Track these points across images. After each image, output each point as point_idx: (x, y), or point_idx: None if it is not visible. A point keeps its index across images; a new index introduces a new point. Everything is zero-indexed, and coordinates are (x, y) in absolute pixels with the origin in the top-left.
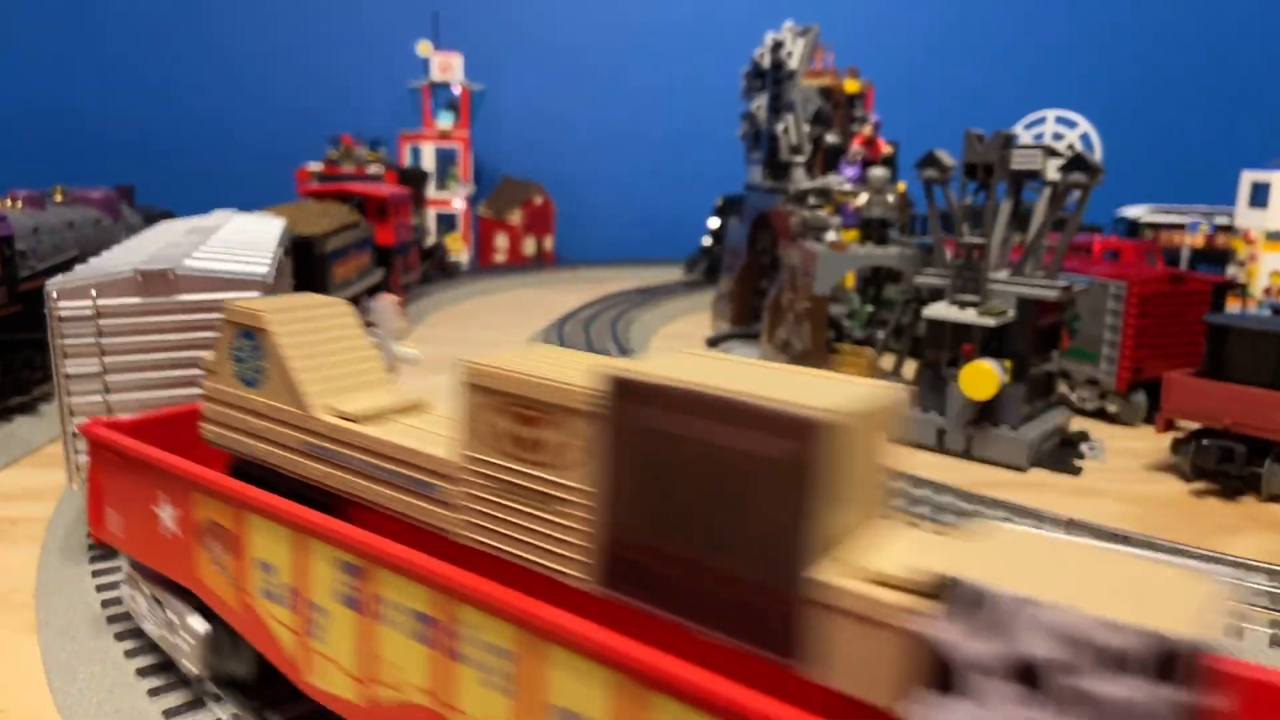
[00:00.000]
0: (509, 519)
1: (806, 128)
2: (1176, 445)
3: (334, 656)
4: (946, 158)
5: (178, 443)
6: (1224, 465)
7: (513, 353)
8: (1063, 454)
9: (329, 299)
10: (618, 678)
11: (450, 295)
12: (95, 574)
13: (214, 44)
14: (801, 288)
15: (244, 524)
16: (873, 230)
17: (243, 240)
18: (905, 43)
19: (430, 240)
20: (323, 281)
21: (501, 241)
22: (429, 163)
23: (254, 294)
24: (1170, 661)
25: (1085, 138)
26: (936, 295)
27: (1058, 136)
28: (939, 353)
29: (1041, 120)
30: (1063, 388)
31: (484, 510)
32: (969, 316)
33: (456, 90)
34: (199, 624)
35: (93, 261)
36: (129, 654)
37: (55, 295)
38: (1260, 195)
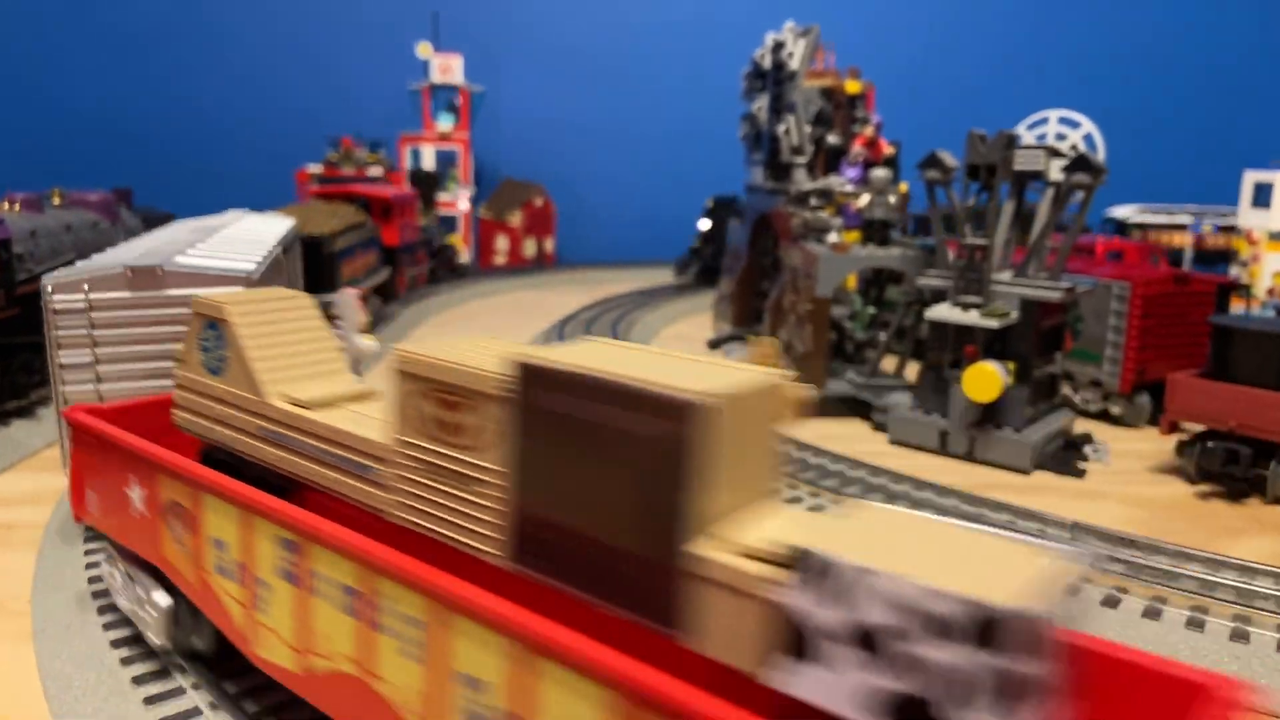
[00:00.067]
0: (433, 499)
1: (808, 129)
2: (1181, 447)
3: (275, 628)
4: (949, 159)
5: (154, 429)
6: (1229, 467)
7: (441, 341)
8: (1066, 456)
9: (293, 292)
10: (511, 645)
11: (451, 297)
12: (91, 580)
13: (213, 46)
14: (803, 290)
15: (199, 503)
16: (874, 231)
17: (241, 239)
18: (907, 43)
19: (440, 241)
20: (331, 280)
21: (502, 243)
22: (429, 165)
23: (238, 289)
24: (991, 629)
25: (1088, 138)
26: (939, 297)
27: (1060, 137)
28: (941, 355)
29: (1044, 121)
30: (1066, 390)
31: (412, 491)
32: (972, 318)
33: (458, 100)
34: (163, 599)
35: (95, 258)
36: (125, 661)
37: (50, 289)
38: (1263, 195)
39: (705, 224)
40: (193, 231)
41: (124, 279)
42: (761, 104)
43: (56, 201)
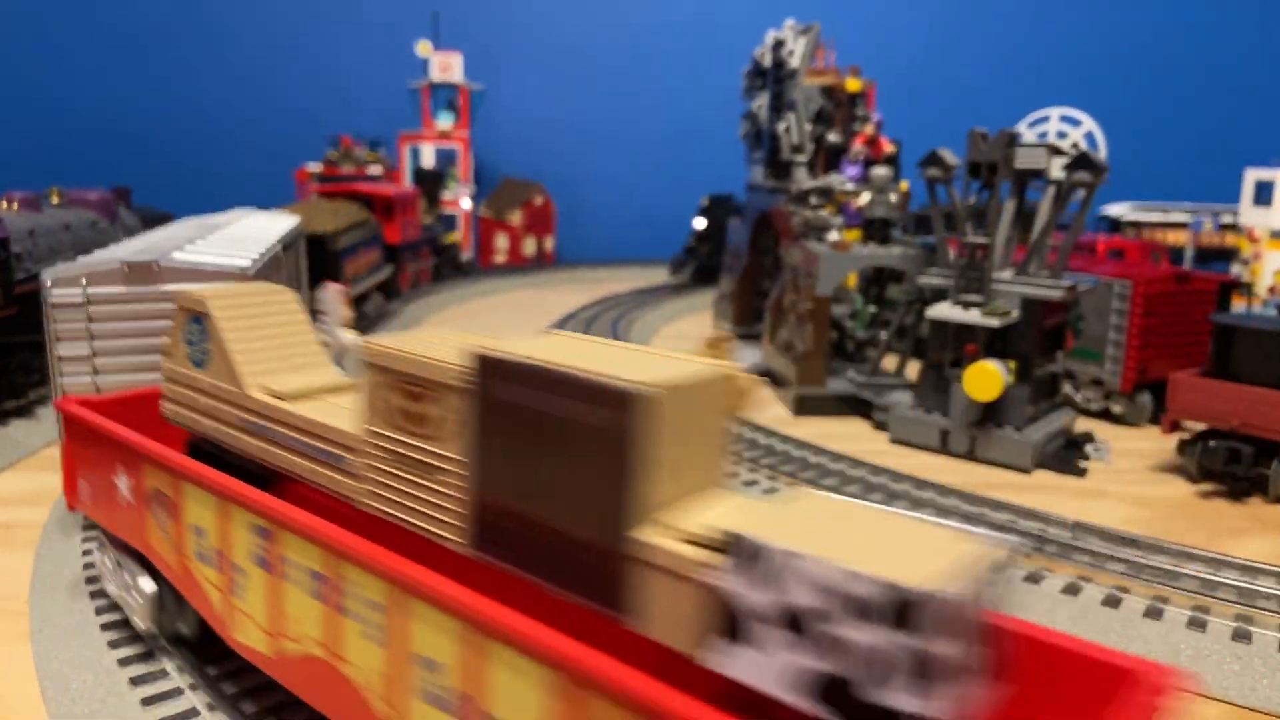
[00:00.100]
0: (400, 487)
1: (808, 127)
2: (1182, 446)
3: (251, 613)
4: (950, 157)
5: (144, 420)
6: (1231, 466)
7: (409, 334)
8: (1067, 455)
9: (277, 287)
10: (463, 628)
11: (452, 296)
12: (89, 581)
13: (212, 44)
14: (803, 288)
15: (180, 492)
16: (875, 230)
17: (240, 236)
18: (907, 41)
19: (445, 239)
20: (336, 276)
21: (502, 242)
22: (429, 163)
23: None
24: (906, 610)
25: (1090, 136)
26: (940, 296)
27: (1062, 135)
28: (942, 353)
29: (1045, 119)
30: (1067, 388)
31: (380, 480)
32: (973, 317)
33: (457, 99)
34: (148, 584)
35: (96, 253)
36: (122, 662)
37: (49, 283)
38: (1264, 194)
39: (700, 223)
40: (195, 229)
41: (120, 274)
42: (762, 102)
43: (55, 201)
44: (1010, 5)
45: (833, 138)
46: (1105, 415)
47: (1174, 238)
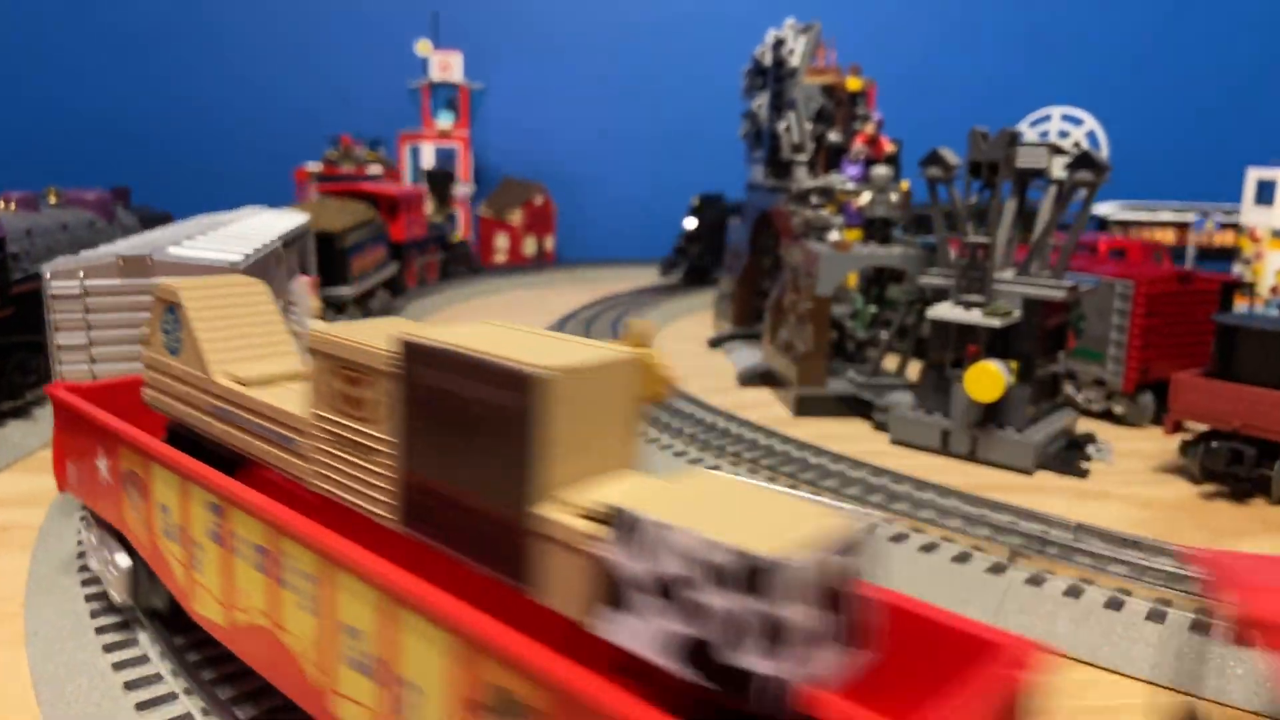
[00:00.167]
0: (341, 467)
1: (808, 126)
2: (1185, 447)
3: (208, 586)
4: (951, 156)
5: (129, 406)
6: (1233, 467)
7: (353, 322)
8: (1069, 456)
9: (250, 280)
10: (378, 597)
11: (453, 295)
12: (85, 583)
13: (211, 44)
14: (804, 288)
15: (149, 472)
16: (876, 230)
17: (238, 233)
18: (908, 40)
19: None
20: (343, 272)
21: (502, 241)
22: (428, 162)
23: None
24: (757, 576)
25: (1091, 135)
26: (941, 296)
27: (1063, 134)
28: (943, 354)
29: (1047, 118)
30: (1069, 389)
31: (324, 460)
32: (974, 317)
33: (457, 98)
34: (124, 560)
35: (101, 248)
36: (116, 666)
37: (49, 275)
38: (1266, 193)
39: (691, 223)
40: (199, 226)
41: (116, 267)
42: (762, 101)
43: (53, 200)
44: (1011, 4)
45: (833, 137)
46: (1107, 416)
47: (1161, 236)
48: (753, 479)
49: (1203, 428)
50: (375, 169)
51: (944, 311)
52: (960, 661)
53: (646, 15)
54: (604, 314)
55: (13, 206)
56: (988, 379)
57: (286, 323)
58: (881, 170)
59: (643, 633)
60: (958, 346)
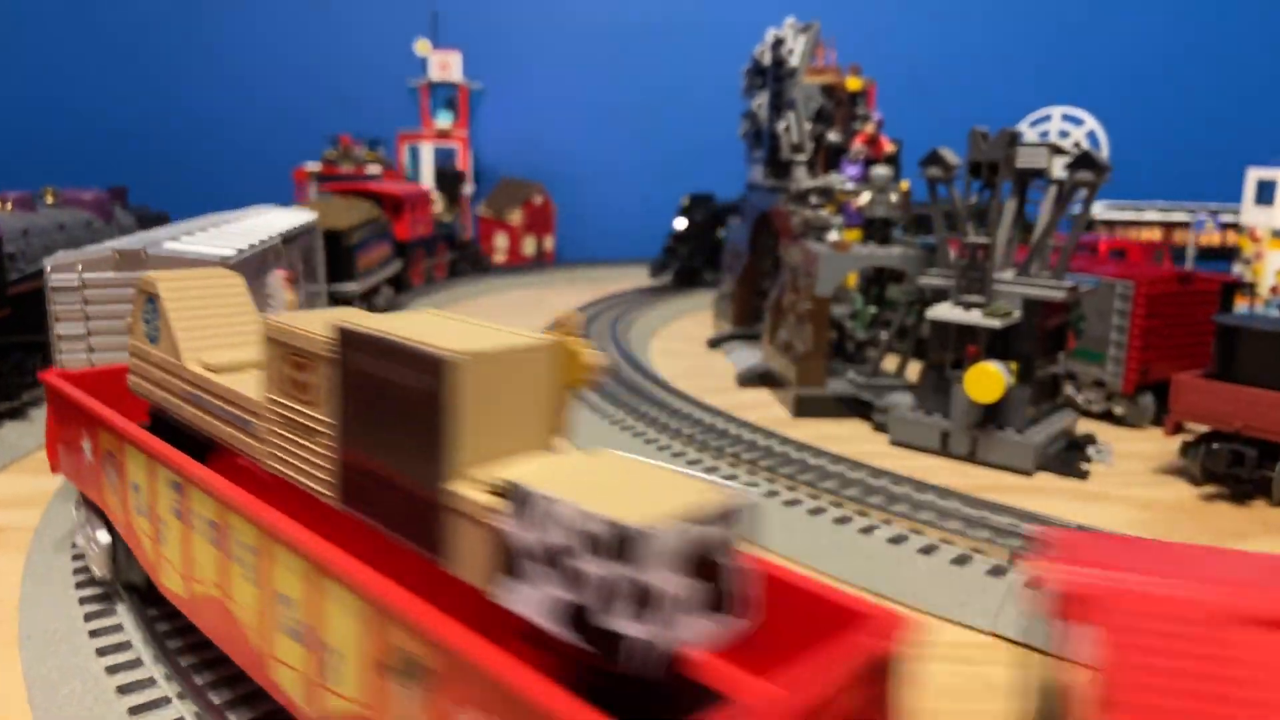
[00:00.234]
0: (290, 448)
1: (808, 126)
2: (1185, 448)
3: (172, 560)
4: (951, 156)
5: (116, 393)
6: (1234, 469)
7: (306, 312)
8: (1069, 457)
9: (226, 273)
10: (305, 567)
11: (452, 295)
12: (79, 585)
13: (210, 43)
14: (803, 289)
15: (124, 453)
16: (875, 230)
17: (238, 230)
18: (908, 39)
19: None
20: (349, 269)
21: (501, 241)
22: (428, 162)
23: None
24: (625, 544)
25: (1092, 135)
26: (940, 296)
27: (1064, 134)
28: (943, 354)
29: (1047, 118)
30: (1069, 390)
31: (276, 441)
32: (974, 318)
33: (456, 98)
34: (104, 536)
35: (107, 243)
36: (110, 670)
37: (49, 269)
38: (1266, 193)
39: (681, 223)
40: (202, 223)
41: (112, 261)
42: (761, 101)
43: (50, 200)
44: (1011, 4)
45: (833, 137)
46: (1107, 417)
47: (1148, 235)
48: (750, 479)
49: (1203, 429)
50: (374, 169)
51: (944, 312)
52: (831, 630)
53: (646, 14)
54: (604, 314)
55: (9, 207)
56: (988, 380)
57: (259, 314)
58: (881, 170)
59: (533, 599)
60: (957, 347)
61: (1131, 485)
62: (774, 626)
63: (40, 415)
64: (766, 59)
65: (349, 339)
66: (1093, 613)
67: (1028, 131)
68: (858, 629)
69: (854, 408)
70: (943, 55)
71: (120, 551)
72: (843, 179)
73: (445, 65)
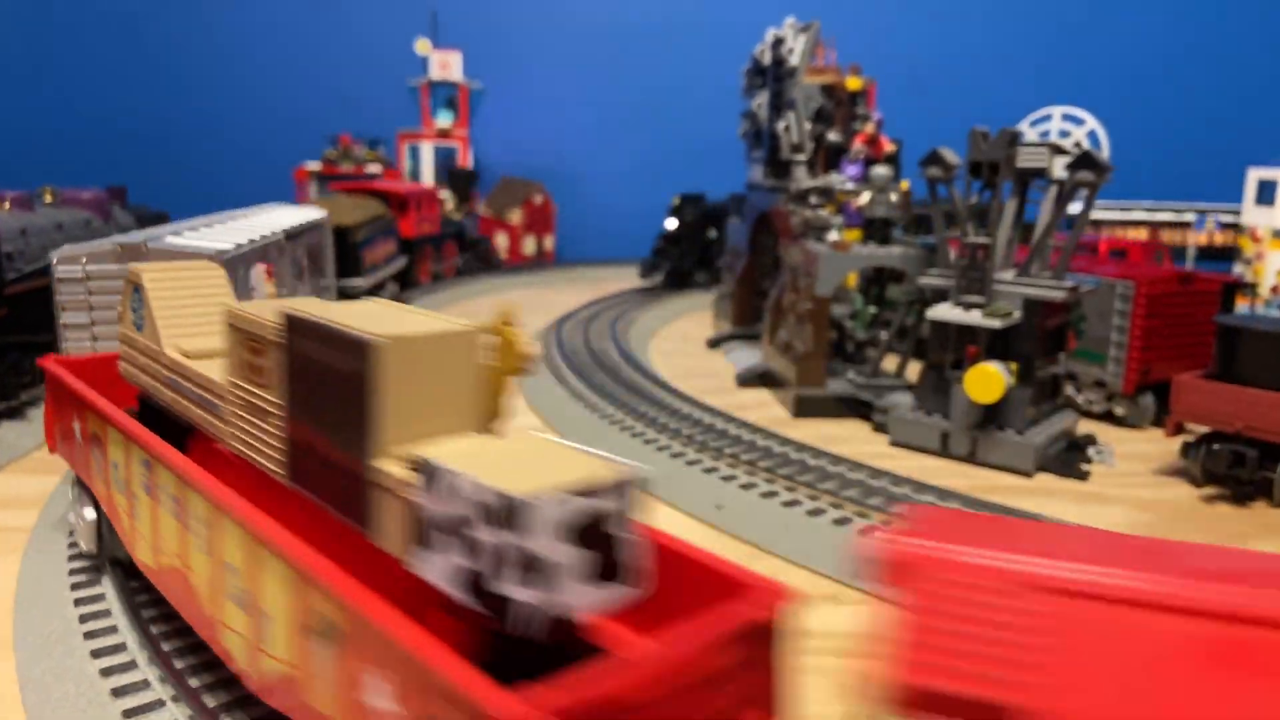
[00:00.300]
0: (248, 429)
1: (808, 126)
2: (1186, 449)
3: (144, 533)
4: (951, 156)
5: (108, 379)
6: (1235, 470)
7: (267, 301)
8: (1070, 458)
9: (209, 265)
10: (244, 537)
11: (451, 295)
12: (74, 587)
13: (209, 42)
14: (803, 288)
15: (105, 432)
16: (875, 230)
17: (241, 226)
18: (908, 39)
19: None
20: (356, 265)
21: (501, 241)
22: (428, 162)
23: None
24: (513, 514)
25: (1092, 135)
26: (940, 296)
27: (1064, 134)
28: (943, 355)
29: (1048, 118)
30: (1069, 390)
31: (237, 423)
32: (974, 318)
33: (457, 97)
34: (90, 513)
35: (114, 237)
36: (104, 673)
37: (55, 260)
38: (1267, 193)
39: (671, 223)
40: (211, 219)
41: (115, 253)
42: (761, 101)
43: (48, 200)
44: (1012, 3)
45: (833, 137)
46: (1108, 417)
47: (1135, 235)
48: (750, 480)
49: (1204, 430)
50: (374, 168)
51: (944, 312)
52: (719, 598)
53: (646, 15)
54: (603, 313)
55: (7, 206)
56: (988, 380)
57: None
58: (881, 170)
59: (440, 567)
60: (957, 347)
61: (1132, 486)
62: (667, 595)
63: (37, 415)
64: (766, 59)
65: (294, 325)
66: (902, 577)
67: (1028, 131)
68: (742, 598)
69: (854, 408)
70: (943, 55)
71: (105, 527)
72: (843, 179)
73: (445, 65)
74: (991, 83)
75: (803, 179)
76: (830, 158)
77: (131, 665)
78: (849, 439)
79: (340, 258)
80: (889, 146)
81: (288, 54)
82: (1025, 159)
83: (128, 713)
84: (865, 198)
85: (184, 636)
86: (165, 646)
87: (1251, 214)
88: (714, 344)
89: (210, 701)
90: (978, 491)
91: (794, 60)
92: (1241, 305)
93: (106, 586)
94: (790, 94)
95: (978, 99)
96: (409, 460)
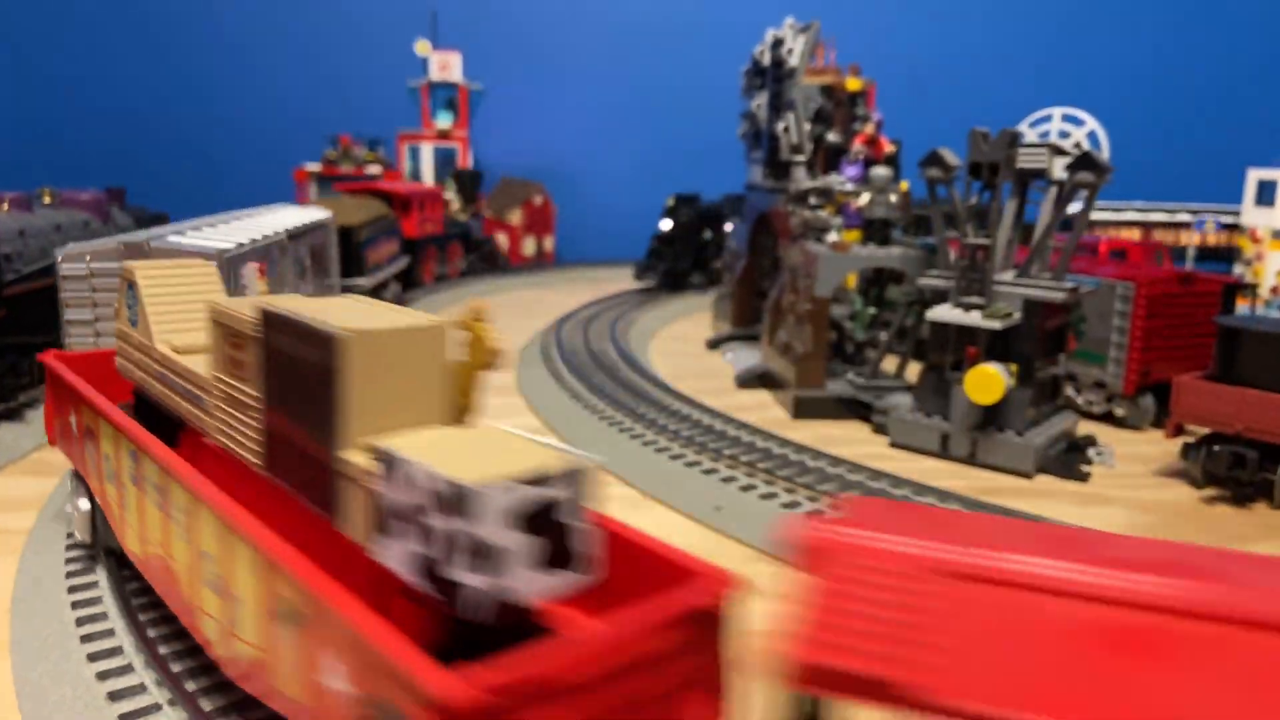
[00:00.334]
0: (229, 421)
1: (807, 126)
2: (1186, 450)
3: (131, 523)
4: (951, 157)
5: (106, 374)
6: (1235, 471)
7: (248, 298)
8: (1070, 459)
9: (201, 263)
10: (218, 525)
11: (451, 296)
12: (71, 590)
13: (208, 43)
14: (802, 289)
15: (98, 425)
16: (875, 231)
17: (243, 226)
18: (908, 39)
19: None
20: (359, 265)
21: (501, 242)
22: (428, 162)
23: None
24: (462, 501)
25: (1093, 135)
26: (940, 297)
27: (1064, 134)
28: (943, 356)
29: (1048, 118)
30: (1069, 391)
31: (220, 416)
32: (974, 319)
33: (456, 98)
34: (84, 503)
35: (121, 235)
36: (101, 676)
37: (60, 258)
38: (1267, 193)
39: (666, 224)
40: (214, 219)
41: (118, 251)
42: (761, 101)
43: (46, 201)
44: (1012, 3)
45: (832, 137)
46: (1108, 418)
47: (1126, 234)
48: (749, 481)
49: (1204, 431)
50: (374, 169)
51: (943, 313)
52: (667, 584)
53: (646, 15)
54: (603, 314)
55: (5, 207)
56: (987, 381)
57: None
58: (881, 171)
59: (398, 553)
60: (957, 348)
61: (1132, 487)
62: (620, 581)
63: (36, 416)
64: (765, 59)
65: (269, 320)
66: (817, 561)
67: (1028, 132)
68: (688, 585)
69: (853, 409)
70: (943, 55)
71: (99, 518)
72: (842, 180)
73: (445, 65)
74: (991, 83)
75: (802, 180)
76: (830, 158)
77: (128, 669)
78: (848, 440)
79: (344, 257)
80: (888, 147)
81: (287, 55)
82: (1025, 160)
83: (124, 716)
84: (865, 199)
85: (181, 640)
86: (162, 650)
87: (1251, 214)
88: (713, 345)
89: (207, 705)
90: (977, 493)
91: (793, 61)
92: (1242, 306)
93: (104, 589)
94: (789, 95)
95: (978, 99)
96: (372, 450)
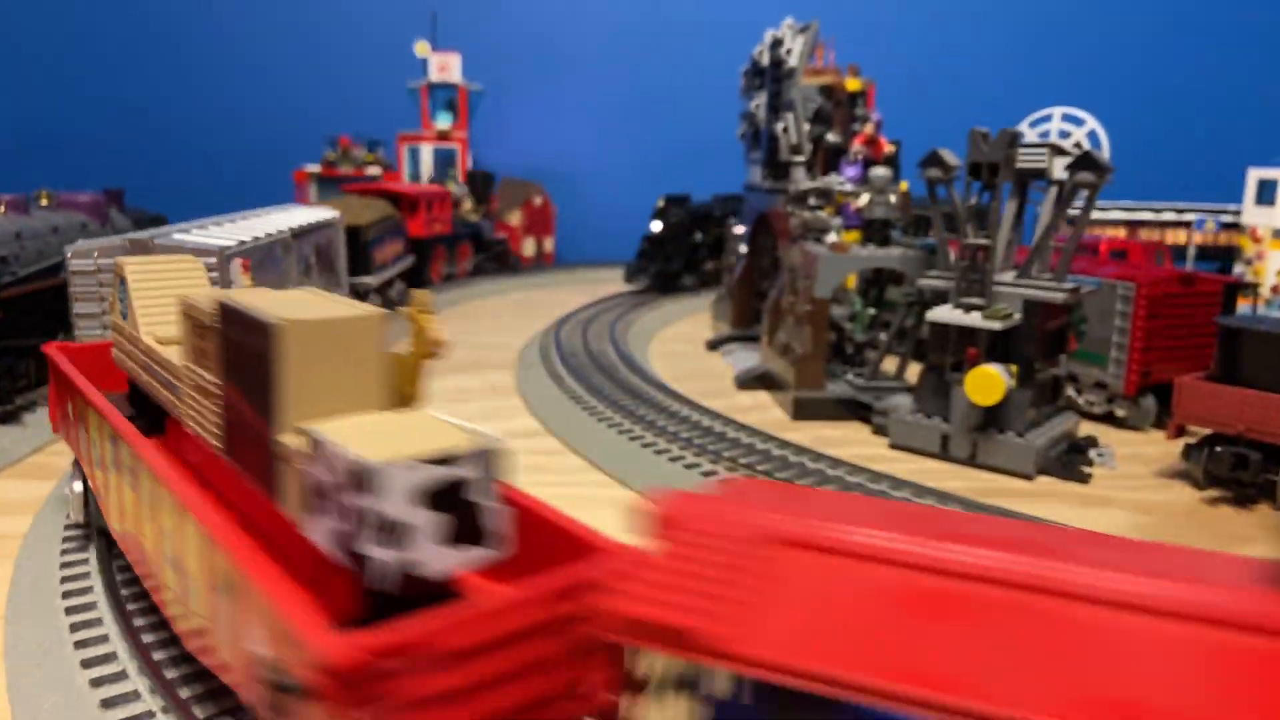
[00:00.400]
0: (197, 408)
1: (806, 127)
2: (1188, 451)
3: (113, 504)
4: (950, 157)
5: (104, 365)
6: (1237, 472)
7: (216, 290)
8: (1070, 460)
9: (190, 259)
10: (174, 504)
11: (451, 296)
12: (66, 595)
13: (208, 44)
14: (802, 290)
15: (86, 412)
16: (875, 231)
17: (248, 224)
18: (907, 39)
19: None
20: (366, 264)
21: None
22: (427, 163)
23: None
24: (367, 479)
25: (1093, 135)
26: (940, 298)
27: (1064, 134)
28: (943, 357)
29: (1048, 118)
30: (1070, 392)
31: (191, 402)
32: (974, 320)
33: (456, 99)
34: (79, 485)
35: (126, 234)
36: (94, 683)
37: (69, 254)
38: (1267, 193)
39: (656, 226)
40: (220, 218)
41: (124, 248)
42: (760, 102)
43: (44, 203)
44: (1011, 3)
45: (832, 138)
46: (1109, 419)
47: (1112, 234)
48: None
49: (1206, 432)
50: (374, 170)
51: (943, 314)
52: (571, 558)
53: (645, 15)
54: (602, 315)
55: (3, 209)
56: (988, 382)
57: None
58: (880, 171)
59: (323, 530)
60: (957, 349)
61: (1133, 489)
62: (532, 554)
63: (33, 420)
64: (765, 59)
65: (225, 312)
66: (666, 529)
67: (1028, 132)
68: (591, 558)
69: (853, 410)
70: (943, 55)
71: (91, 499)
72: (841, 180)
73: (445, 66)
74: (991, 83)
75: (801, 180)
76: (829, 159)
77: (122, 675)
78: (848, 441)
79: (351, 256)
80: (888, 147)
81: (287, 55)
82: (1025, 160)
83: None
84: (864, 199)
85: (175, 646)
86: (156, 656)
87: (1251, 214)
88: (713, 346)
89: (200, 713)
90: (978, 494)
91: (792, 61)
92: (1243, 306)
93: (98, 595)
94: (789, 95)
95: (977, 99)
96: (301, 433)
